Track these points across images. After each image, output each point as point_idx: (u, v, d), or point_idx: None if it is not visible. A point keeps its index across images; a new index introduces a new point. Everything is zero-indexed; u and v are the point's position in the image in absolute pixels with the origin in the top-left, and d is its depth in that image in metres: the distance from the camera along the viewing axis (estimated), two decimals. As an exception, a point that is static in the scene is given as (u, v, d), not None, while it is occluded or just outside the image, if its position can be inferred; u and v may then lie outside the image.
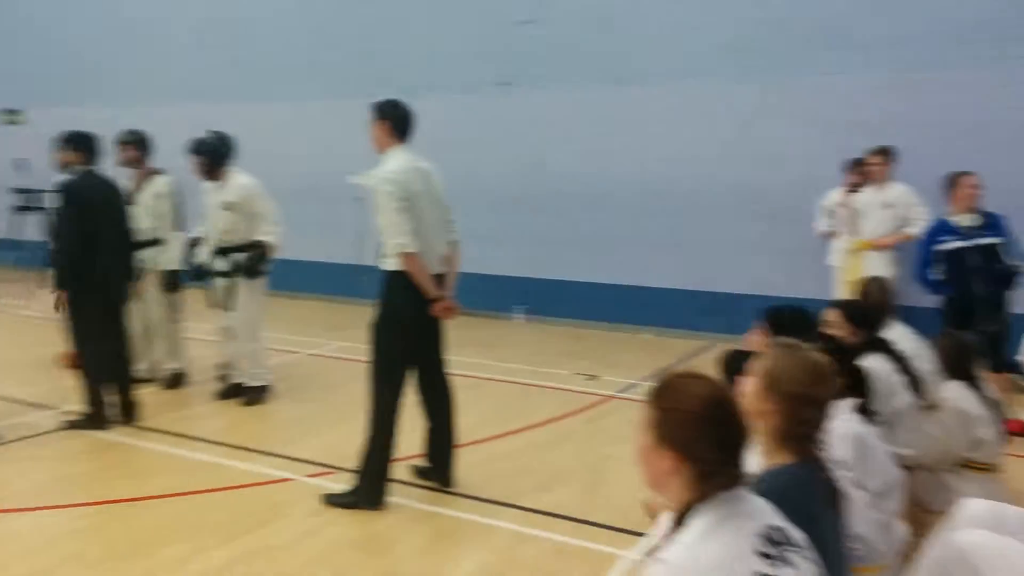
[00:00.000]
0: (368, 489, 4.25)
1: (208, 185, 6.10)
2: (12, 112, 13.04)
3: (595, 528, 4.06)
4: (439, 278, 4.33)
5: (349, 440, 5.22)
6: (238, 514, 4.18)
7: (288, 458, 4.99)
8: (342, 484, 4.53)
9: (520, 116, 9.28)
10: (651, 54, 8.62)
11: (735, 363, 3.12)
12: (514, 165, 9.38)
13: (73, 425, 5.45)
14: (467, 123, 9.52)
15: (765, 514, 1.87)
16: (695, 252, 8.57)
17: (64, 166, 5.97)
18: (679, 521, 1.83)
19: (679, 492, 1.84)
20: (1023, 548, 2.34)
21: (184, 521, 4.09)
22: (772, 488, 2.01)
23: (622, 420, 5.73)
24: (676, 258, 8.66)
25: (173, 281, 6.45)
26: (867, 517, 2.62)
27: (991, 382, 4.43)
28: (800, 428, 2.16)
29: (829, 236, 7.46)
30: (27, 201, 11.17)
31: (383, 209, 4.15)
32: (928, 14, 7.44)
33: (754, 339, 3.36)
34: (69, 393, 5.82)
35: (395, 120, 4.31)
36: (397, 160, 4.24)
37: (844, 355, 3.05)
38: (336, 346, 7.92)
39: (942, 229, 5.94)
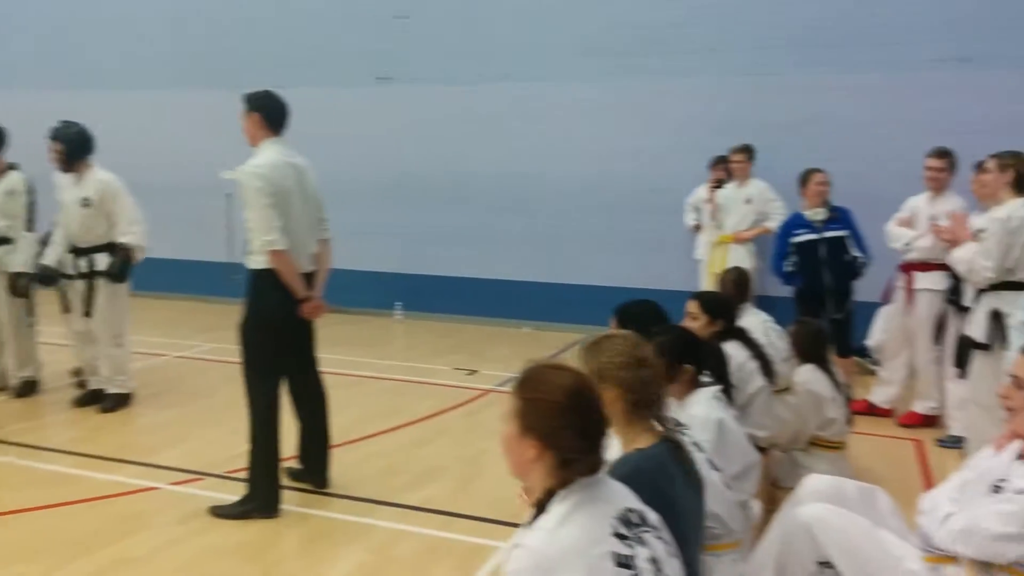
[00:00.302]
0: (261, 496, 4.11)
1: (64, 179, 5.74)
2: None
3: (470, 521, 4.09)
4: (308, 277, 4.23)
5: (217, 445, 5.09)
6: (96, 527, 3.97)
7: (151, 466, 4.78)
8: (210, 491, 4.39)
9: (398, 111, 9.21)
10: (516, 54, 8.73)
11: None
12: (392, 160, 9.30)
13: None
14: (345, 118, 9.37)
15: (623, 497, 1.94)
16: (570, 247, 8.74)
17: None
18: (541, 508, 1.88)
19: (542, 479, 1.90)
20: (860, 520, 2.52)
21: (36, 538, 3.85)
22: (629, 472, 2.09)
23: (499, 413, 5.75)
24: (552, 253, 8.81)
25: (24, 284, 6.03)
26: (724, 497, 2.75)
27: (839, 366, 4.75)
28: (642, 393, 2.25)
29: (696, 230, 7.78)
30: None
31: (252, 205, 4.01)
32: (773, 20, 7.83)
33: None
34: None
35: (268, 112, 4.16)
36: (269, 154, 4.10)
37: (700, 344, 3.19)
38: (206, 347, 7.63)
39: (796, 223, 6.31)
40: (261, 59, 9.44)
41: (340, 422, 5.05)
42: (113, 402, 5.84)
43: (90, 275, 5.72)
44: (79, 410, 5.85)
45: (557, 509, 1.84)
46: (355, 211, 9.34)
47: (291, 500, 4.27)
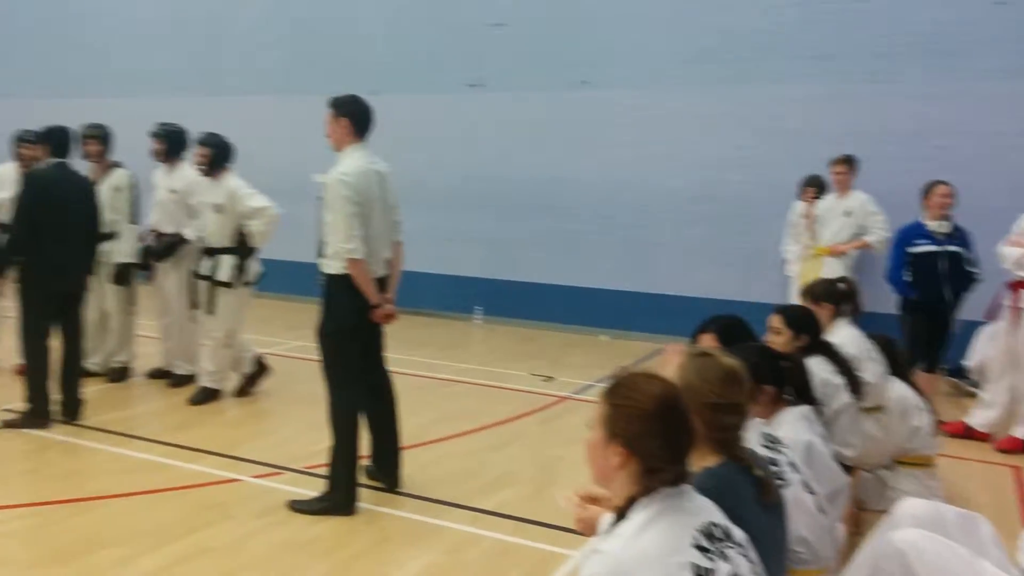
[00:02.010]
0: (340, 497, 4.16)
1: (203, 182, 6.00)
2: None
3: (542, 528, 4.04)
4: (381, 281, 4.27)
5: (297, 441, 5.19)
6: (179, 516, 4.08)
7: (234, 458, 4.89)
8: (288, 485, 4.47)
9: (488, 117, 9.27)
10: (616, 60, 8.66)
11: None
12: (479, 166, 9.36)
13: (10, 424, 5.28)
14: (434, 123, 9.48)
15: (707, 511, 1.91)
16: (652, 255, 8.61)
17: (28, 160, 6.13)
18: (621, 515, 1.86)
19: (624, 487, 1.88)
20: (959, 549, 2.36)
21: (122, 523, 3.98)
22: (703, 490, 2.01)
23: (576, 421, 5.71)
24: (634, 261, 8.70)
25: (126, 274, 6.34)
26: (816, 522, 2.64)
27: (923, 380, 4.54)
28: (721, 434, 2.19)
29: (794, 249, 7.50)
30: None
31: (335, 211, 4.05)
32: (883, 27, 7.55)
33: (706, 344, 3.36)
34: (11, 391, 5.65)
35: (354, 117, 4.19)
36: (355, 160, 4.14)
37: (783, 360, 3.07)
38: (292, 345, 7.81)
39: (917, 232, 6.06)
40: (352, 66, 9.65)
41: (416, 423, 5.10)
42: (204, 396, 6.01)
43: (213, 275, 5.92)
44: (168, 401, 6.07)
45: (638, 516, 1.81)
46: (440, 215, 9.47)
47: (365, 498, 4.30)
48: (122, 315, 6.46)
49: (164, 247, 6.25)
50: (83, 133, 6.22)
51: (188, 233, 6.18)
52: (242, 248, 5.97)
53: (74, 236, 5.42)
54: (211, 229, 5.96)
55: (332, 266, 4.13)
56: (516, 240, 9.23)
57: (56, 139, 5.46)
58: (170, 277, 6.33)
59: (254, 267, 6.10)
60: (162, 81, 10.91)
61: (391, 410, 4.47)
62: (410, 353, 7.45)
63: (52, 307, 5.37)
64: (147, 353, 6.67)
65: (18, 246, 5.26)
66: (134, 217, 6.41)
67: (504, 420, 5.81)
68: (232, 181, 5.96)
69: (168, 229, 6.27)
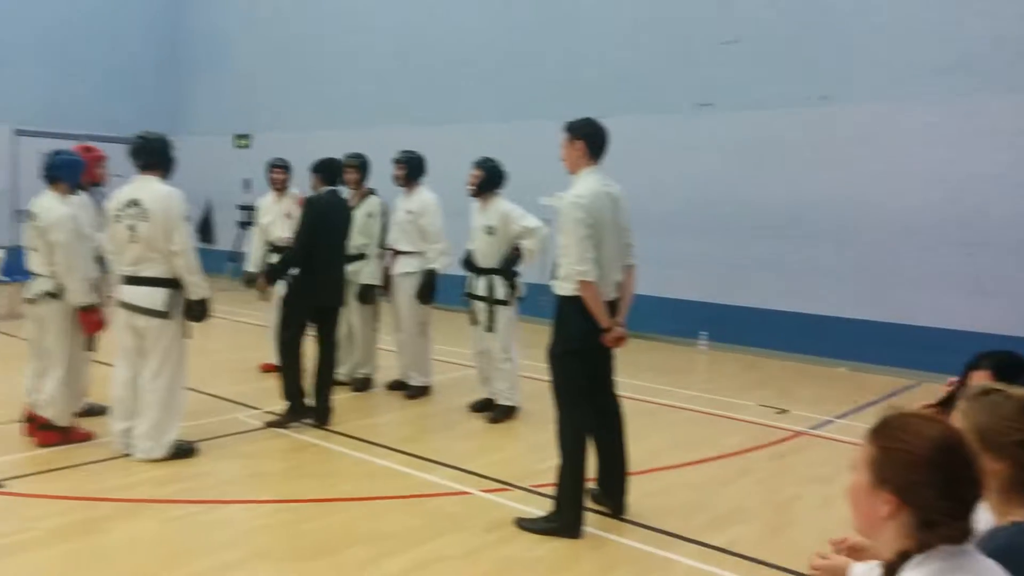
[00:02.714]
0: (567, 518, 4.19)
1: (474, 206, 6.34)
2: (241, 137, 14.47)
3: (778, 571, 3.82)
4: (612, 304, 4.25)
5: (525, 458, 5.29)
6: (417, 523, 4.29)
7: (465, 471, 5.07)
8: (514, 502, 4.55)
9: (718, 137, 9.04)
10: (859, 72, 8.14)
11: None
12: (708, 187, 9.14)
13: (273, 424, 5.84)
14: (663, 144, 9.39)
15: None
16: (897, 282, 7.93)
17: (279, 184, 7.16)
18: (891, 571, 1.68)
19: (894, 540, 1.69)
20: None
21: (366, 525, 4.25)
22: (1000, 547, 1.77)
23: (813, 459, 5.36)
24: (875, 288, 8.06)
25: (369, 294, 6.84)
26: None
27: None
28: None
29: None
30: (250, 217, 12.23)
31: (569, 233, 4.10)
32: None
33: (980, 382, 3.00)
34: (275, 394, 6.24)
35: (589, 140, 4.23)
36: (589, 183, 4.17)
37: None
38: (521, 364, 7.97)
39: None
40: (580, 88, 9.80)
41: (641, 449, 5.02)
42: (502, 413, 6.18)
43: (489, 295, 6.17)
44: (405, 412, 6.45)
45: (913, 575, 1.63)
46: (665, 237, 9.34)
47: (590, 522, 4.28)
48: (366, 330, 6.97)
49: (425, 287, 6.54)
50: (343, 162, 6.74)
51: (436, 264, 6.48)
52: (511, 267, 6.19)
53: (339, 256, 6.06)
54: (483, 250, 6.20)
55: (564, 288, 4.17)
56: (744, 263, 8.89)
57: (327, 169, 6.12)
58: (402, 296, 6.71)
59: (521, 285, 6.30)
60: (400, 112, 11.71)
61: (619, 434, 4.43)
62: (633, 377, 7.37)
63: (311, 319, 5.91)
64: (387, 365, 7.13)
65: (295, 263, 5.88)
66: (382, 242, 6.87)
67: (733, 452, 5.58)
68: (503, 204, 6.18)
69: (404, 248, 6.66)
